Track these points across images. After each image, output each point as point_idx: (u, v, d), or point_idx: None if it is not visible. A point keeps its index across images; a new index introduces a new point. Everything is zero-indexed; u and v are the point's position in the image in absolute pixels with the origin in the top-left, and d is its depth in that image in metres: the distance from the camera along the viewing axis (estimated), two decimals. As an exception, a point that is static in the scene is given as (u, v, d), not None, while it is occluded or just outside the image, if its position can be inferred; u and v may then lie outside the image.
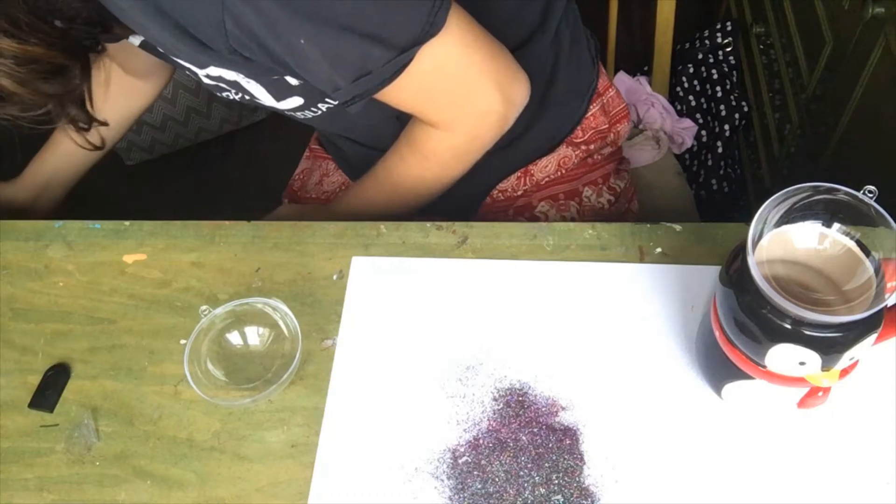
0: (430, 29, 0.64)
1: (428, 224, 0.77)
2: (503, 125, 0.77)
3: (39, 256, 0.80)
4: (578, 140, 0.93)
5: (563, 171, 0.94)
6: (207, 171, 1.89)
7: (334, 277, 0.75)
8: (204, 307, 0.69)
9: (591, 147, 0.94)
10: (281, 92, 0.75)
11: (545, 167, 0.93)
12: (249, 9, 0.59)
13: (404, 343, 0.70)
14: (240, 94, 0.77)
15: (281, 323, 0.69)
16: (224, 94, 0.78)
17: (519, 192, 0.94)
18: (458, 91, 0.73)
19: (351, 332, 0.71)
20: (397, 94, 0.70)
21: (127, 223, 0.81)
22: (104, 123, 0.87)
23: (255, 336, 0.71)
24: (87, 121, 0.80)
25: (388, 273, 0.74)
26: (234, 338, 0.70)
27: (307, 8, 0.60)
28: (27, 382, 0.72)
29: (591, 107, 0.93)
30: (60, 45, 0.65)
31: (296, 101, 0.76)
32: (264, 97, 0.75)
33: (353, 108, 0.69)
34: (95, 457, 0.68)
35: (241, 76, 0.72)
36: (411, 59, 0.65)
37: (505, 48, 0.74)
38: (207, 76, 0.73)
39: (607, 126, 0.95)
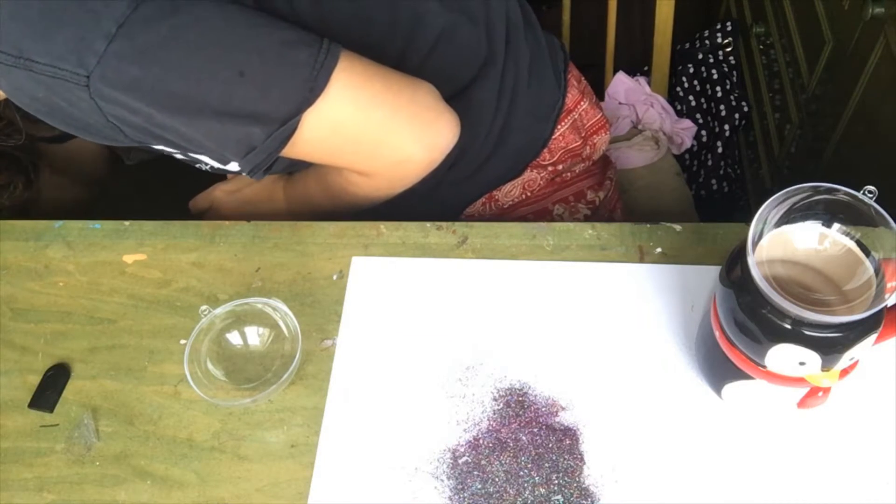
0: (310, 95, 0.64)
1: (428, 224, 0.77)
2: (427, 168, 0.75)
3: (39, 256, 0.80)
4: (546, 162, 0.90)
5: (529, 194, 0.91)
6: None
7: (334, 277, 0.75)
8: (204, 307, 0.69)
9: (560, 167, 0.91)
10: (223, 158, 0.73)
11: (509, 192, 0.90)
12: (126, 112, 0.62)
13: (404, 343, 0.70)
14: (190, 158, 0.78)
15: (281, 323, 0.69)
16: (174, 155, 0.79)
17: (486, 217, 0.92)
18: (364, 147, 0.71)
19: (351, 332, 0.71)
20: (300, 154, 0.70)
21: (127, 223, 0.81)
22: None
23: (255, 336, 0.71)
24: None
25: (388, 273, 0.74)
26: (234, 338, 0.70)
27: (176, 103, 0.61)
28: (27, 382, 0.72)
29: (559, 126, 0.89)
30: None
31: (236, 166, 0.73)
32: (211, 162, 0.75)
33: (257, 176, 0.69)
34: (95, 457, 0.68)
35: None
36: (295, 128, 0.65)
37: (427, 91, 0.72)
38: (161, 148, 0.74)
39: (580, 142, 0.91)
